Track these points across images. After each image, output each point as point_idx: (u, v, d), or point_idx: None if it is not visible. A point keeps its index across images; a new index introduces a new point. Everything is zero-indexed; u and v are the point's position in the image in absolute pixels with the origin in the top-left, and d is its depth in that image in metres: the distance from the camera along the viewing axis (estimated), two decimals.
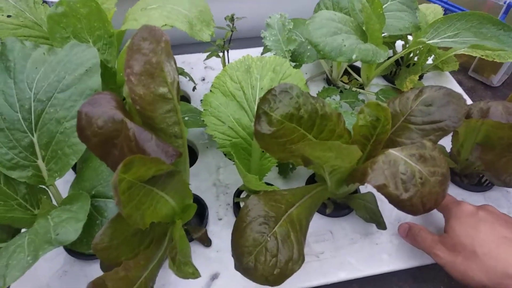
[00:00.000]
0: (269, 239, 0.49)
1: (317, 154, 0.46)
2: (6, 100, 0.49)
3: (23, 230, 0.53)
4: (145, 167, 0.35)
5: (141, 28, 0.40)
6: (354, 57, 0.59)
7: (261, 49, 0.83)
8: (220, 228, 0.64)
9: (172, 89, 0.43)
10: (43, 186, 0.54)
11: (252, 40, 0.95)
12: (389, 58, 0.80)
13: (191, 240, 0.60)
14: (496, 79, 1.14)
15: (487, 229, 0.52)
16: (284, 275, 0.49)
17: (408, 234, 0.61)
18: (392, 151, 0.49)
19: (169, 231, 0.52)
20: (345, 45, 0.59)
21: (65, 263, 0.58)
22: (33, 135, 0.50)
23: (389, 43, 0.85)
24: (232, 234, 0.50)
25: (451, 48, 0.84)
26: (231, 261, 0.59)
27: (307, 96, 0.50)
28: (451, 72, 0.95)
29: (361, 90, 0.81)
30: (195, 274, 0.44)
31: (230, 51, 0.77)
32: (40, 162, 0.50)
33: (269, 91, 0.48)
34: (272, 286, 0.49)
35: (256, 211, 0.50)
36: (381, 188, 0.47)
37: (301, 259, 0.50)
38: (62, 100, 0.49)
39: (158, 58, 0.40)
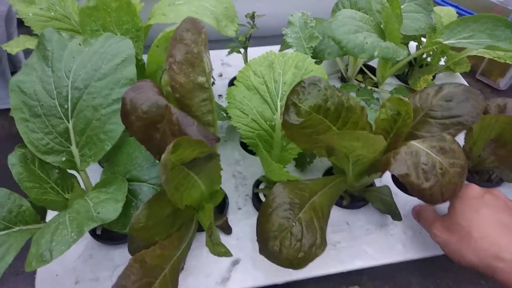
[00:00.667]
0: (294, 224, 0.51)
1: (345, 144, 0.48)
2: (44, 88, 0.51)
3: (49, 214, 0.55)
4: (190, 149, 0.37)
5: (185, 20, 0.42)
6: (375, 54, 0.61)
7: (278, 47, 0.85)
8: (239, 217, 0.66)
9: (209, 79, 0.45)
10: (73, 172, 0.55)
11: (269, 38, 0.98)
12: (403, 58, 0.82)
13: None
14: (503, 83, 1.16)
15: (488, 213, 0.53)
16: (308, 259, 0.51)
17: (416, 214, 0.63)
18: (414, 143, 0.51)
19: (195, 215, 0.54)
20: (367, 43, 0.62)
21: (91, 247, 0.60)
22: (68, 122, 0.52)
23: (403, 44, 0.87)
24: (258, 219, 0.52)
25: (463, 50, 0.86)
26: (251, 248, 0.62)
27: (333, 89, 0.52)
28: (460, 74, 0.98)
29: (375, 89, 0.84)
30: (227, 253, 0.46)
31: (249, 49, 0.79)
32: (73, 148, 0.52)
33: (298, 83, 0.50)
34: (295, 269, 0.51)
35: (282, 197, 0.52)
36: (403, 177, 0.49)
37: (323, 244, 0.52)
38: (99, 88, 0.51)
39: (199, 49, 0.43)
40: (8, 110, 0.98)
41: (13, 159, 0.49)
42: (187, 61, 0.42)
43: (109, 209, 0.42)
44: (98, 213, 0.42)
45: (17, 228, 0.48)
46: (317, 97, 0.50)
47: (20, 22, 1.02)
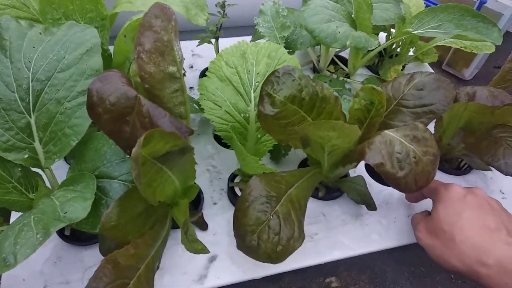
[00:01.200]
0: (271, 217, 0.50)
1: (320, 134, 0.47)
2: (2, 80, 0.48)
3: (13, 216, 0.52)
4: (163, 141, 0.35)
5: (153, 5, 0.40)
6: (348, 43, 0.61)
7: (250, 38, 0.84)
8: (215, 212, 0.64)
9: (180, 69, 0.43)
10: (38, 171, 0.52)
11: (240, 29, 0.96)
12: (373, 49, 0.83)
13: None
14: (468, 73, 1.20)
15: (470, 216, 0.52)
16: (286, 252, 0.50)
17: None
18: (388, 132, 0.51)
19: (169, 212, 0.52)
20: (339, 32, 0.61)
21: (59, 249, 0.57)
22: (30, 116, 0.48)
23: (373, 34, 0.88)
24: (234, 214, 0.51)
25: (431, 40, 0.88)
26: (227, 244, 0.60)
27: (308, 79, 0.51)
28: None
29: (347, 79, 0.84)
30: (204, 250, 0.44)
31: (220, 39, 0.77)
32: (37, 144, 0.49)
33: (272, 73, 0.49)
34: (274, 263, 0.50)
35: (258, 191, 0.51)
36: (378, 167, 0.49)
37: (301, 237, 0.52)
38: (62, 80, 0.48)
39: (169, 37, 0.41)
40: None
41: None
42: (157, 50, 0.40)
43: (77, 208, 0.40)
44: (66, 212, 0.39)
45: None
46: (291, 87, 0.49)
47: None
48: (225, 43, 0.73)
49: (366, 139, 0.53)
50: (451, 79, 1.22)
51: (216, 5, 0.74)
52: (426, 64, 0.96)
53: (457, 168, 0.76)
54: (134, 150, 0.33)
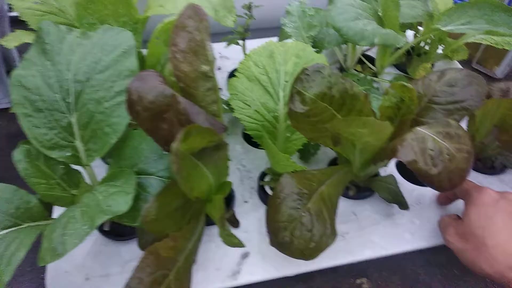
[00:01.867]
0: (304, 214, 0.51)
1: (351, 130, 0.47)
2: (45, 82, 0.50)
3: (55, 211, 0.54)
4: (200, 137, 0.36)
5: (187, 6, 0.41)
6: (376, 41, 0.61)
7: (276, 39, 0.84)
8: (246, 210, 0.65)
9: (212, 68, 0.45)
10: (78, 168, 0.55)
11: (266, 30, 0.97)
12: (401, 47, 0.83)
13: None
14: (500, 71, 1.16)
15: (502, 221, 0.52)
16: (319, 249, 0.50)
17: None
18: (420, 129, 0.51)
19: (203, 208, 0.53)
20: (367, 30, 0.61)
21: (99, 244, 0.59)
22: (72, 116, 0.51)
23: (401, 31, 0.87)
24: (267, 210, 0.52)
25: (460, 37, 0.86)
26: (259, 241, 0.61)
27: (337, 76, 0.51)
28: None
29: (375, 78, 0.84)
30: (240, 244, 0.45)
31: (246, 41, 0.79)
32: (78, 143, 0.51)
33: (302, 71, 0.50)
34: (307, 259, 0.51)
35: (290, 188, 0.52)
36: (411, 164, 0.49)
37: (334, 234, 0.52)
38: (101, 81, 0.50)
39: (202, 36, 0.42)
40: (4, 110, 0.97)
41: (18, 155, 0.48)
42: (191, 49, 0.42)
43: (119, 202, 0.42)
44: (109, 206, 0.41)
45: (25, 225, 0.47)
46: (321, 84, 0.50)
47: (13, 22, 1.00)
48: (252, 44, 0.74)
49: (397, 137, 0.52)
50: (483, 77, 1.19)
51: (242, 6, 0.76)
52: (456, 61, 0.95)
53: (491, 168, 0.74)
54: (174, 144, 0.34)
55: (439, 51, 0.91)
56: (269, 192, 0.67)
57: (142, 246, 0.51)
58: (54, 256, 0.37)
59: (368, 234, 0.63)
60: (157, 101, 0.40)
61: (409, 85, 0.53)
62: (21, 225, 0.46)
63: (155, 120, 0.41)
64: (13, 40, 0.61)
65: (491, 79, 1.16)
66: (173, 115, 0.40)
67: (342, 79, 0.52)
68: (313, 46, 0.73)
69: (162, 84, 0.41)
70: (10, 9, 0.98)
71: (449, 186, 0.51)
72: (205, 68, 0.44)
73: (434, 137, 0.50)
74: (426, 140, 0.50)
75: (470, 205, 0.55)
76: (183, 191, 0.38)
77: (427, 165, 0.49)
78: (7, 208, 0.46)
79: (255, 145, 0.74)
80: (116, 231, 0.59)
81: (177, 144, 0.34)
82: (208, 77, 0.44)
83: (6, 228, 0.45)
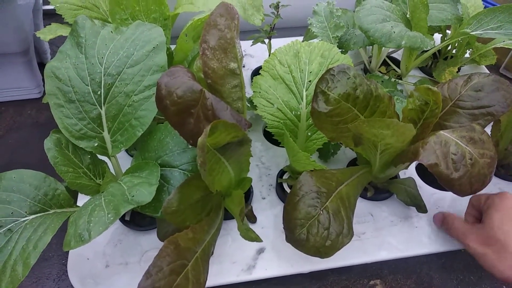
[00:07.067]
0: (321, 212, 0.51)
1: (374, 131, 0.48)
2: (77, 74, 0.52)
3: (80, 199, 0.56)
4: (226, 132, 0.37)
5: (219, 5, 0.42)
6: (403, 43, 0.61)
7: (301, 38, 0.85)
8: (264, 207, 0.66)
9: (240, 65, 0.46)
10: (104, 159, 0.57)
11: (291, 30, 0.98)
12: (427, 50, 0.82)
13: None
14: None
15: None
16: (335, 248, 0.51)
17: (443, 223, 0.62)
18: (443, 133, 0.51)
19: (222, 202, 0.55)
20: (394, 32, 0.61)
21: (120, 233, 0.62)
22: (101, 108, 0.53)
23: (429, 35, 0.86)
24: (285, 207, 0.53)
25: (489, 42, 0.85)
26: (275, 237, 0.62)
27: (362, 78, 0.52)
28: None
29: (399, 81, 0.83)
30: (258, 239, 0.46)
31: (272, 40, 0.79)
32: (105, 134, 0.54)
33: (327, 71, 0.51)
34: (322, 257, 0.51)
35: (309, 186, 0.53)
36: (432, 167, 0.49)
37: (350, 233, 0.52)
38: (131, 75, 0.52)
39: (232, 34, 0.43)
40: (34, 100, 1.01)
41: (48, 144, 0.50)
42: (220, 47, 0.43)
43: (143, 192, 0.43)
44: (133, 196, 0.43)
45: (52, 211, 0.49)
46: (346, 85, 0.50)
47: (45, 14, 1.04)
48: (277, 43, 0.75)
49: (419, 139, 0.52)
50: (510, 84, 1.17)
51: (270, 5, 0.76)
52: (483, 66, 0.93)
53: None
54: (200, 139, 0.35)
55: (467, 55, 0.90)
56: (287, 189, 0.67)
57: (161, 237, 0.52)
58: (79, 242, 0.39)
59: (384, 236, 0.63)
60: (186, 96, 0.41)
61: (434, 88, 0.52)
62: (48, 211, 0.48)
63: (183, 114, 0.42)
64: (48, 32, 0.64)
65: None
66: (201, 110, 0.41)
67: (367, 81, 0.52)
68: (339, 47, 0.73)
69: (191, 79, 0.42)
70: (44, 2, 1.01)
71: (470, 191, 0.51)
72: (233, 65, 0.45)
73: (457, 141, 0.50)
74: (449, 144, 0.50)
75: (492, 210, 0.55)
76: (206, 184, 0.39)
77: (448, 169, 0.49)
78: (35, 195, 0.49)
79: (275, 142, 0.75)
80: (136, 221, 0.60)
81: (203, 138, 0.35)
82: (235, 74, 0.45)
83: (34, 214, 0.47)
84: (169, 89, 0.41)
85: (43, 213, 0.48)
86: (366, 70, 0.89)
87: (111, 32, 0.55)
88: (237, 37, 0.45)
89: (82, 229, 0.40)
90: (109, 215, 0.41)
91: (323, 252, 0.51)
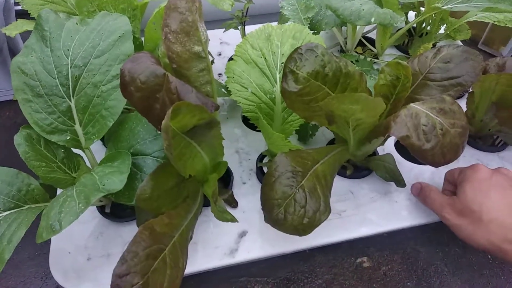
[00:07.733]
0: (297, 191, 0.51)
1: (344, 107, 0.48)
2: (44, 68, 0.52)
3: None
4: (190, 114, 0.37)
5: None
6: (372, 20, 0.61)
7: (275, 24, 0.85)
8: (244, 192, 0.66)
9: (205, 48, 0.45)
10: (79, 152, 0.56)
11: (266, 16, 0.97)
12: (401, 28, 0.82)
13: None
14: (506, 51, 1.15)
15: (497, 195, 0.52)
16: (313, 225, 0.51)
17: (420, 194, 0.63)
18: (413, 105, 0.51)
19: (200, 189, 0.55)
20: (363, 9, 0.61)
21: (101, 225, 0.61)
22: (70, 100, 0.52)
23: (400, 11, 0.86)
24: (262, 188, 0.53)
25: (463, 16, 0.85)
26: (257, 220, 0.63)
27: (331, 55, 0.52)
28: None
29: (375, 60, 0.83)
30: (233, 219, 0.46)
31: (246, 27, 0.79)
32: (77, 126, 0.53)
33: (295, 50, 0.51)
34: (301, 235, 0.52)
35: (284, 166, 0.53)
36: (404, 139, 0.49)
37: (327, 210, 0.53)
38: (98, 65, 0.51)
39: (193, 17, 0.43)
40: (12, 102, 1.00)
41: (18, 139, 0.50)
42: (183, 30, 0.42)
43: (114, 180, 0.43)
44: (104, 184, 0.43)
45: (26, 206, 0.49)
46: (314, 63, 0.50)
47: (19, 15, 1.02)
48: (251, 30, 0.74)
49: (392, 114, 0.53)
50: (489, 58, 1.18)
51: None
52: (459, 42, 0.93)
53: (491, 145, 0.74)
54: (163, 122, 0.35)
55: (442, 31, 0.90)
56: None
57: (140, 225, 0.52)
58: (50, 232, 0.39)
59: (364, 212, 0.64)
60: (149, 81, 0.41)
61: (404, 62, 0.53)
62: (22, 206, 0.48)
63: (148, 100, 0.42)
64: (14, 28, 0.63)
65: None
66: (165, 94, 0.41)
67: (336, 58, 0.52)
68: (310, 28, 0.73)
69: (154, 64, 0.42)
70: (16, 2, 1.00)
71: (443, 161, 0.51)
72: (197, 48, 0.44)
73: (428, 112, 0.51)
74: (419, 115, 0.50)
75: (466, 182, 0.55)
76: (177, 169, 0.39)
77: (420, 140, 0.49)
78: (8, 191, 0.48)
79: (254, 127, 0.75)
80: (117, 213, 0.60)
81: (166, 120, 0.35)
82: (201, 57, 0.45)
83: (8, 210, 0.47)
84: (132, 75, 0.41)
85: (17, 209, 0.48)
86: (342, 51, 0.89)
87: (77, 24, 0.54)
88: (200, 20, 0.45)
89: (54, 220, 0.40)
90: (79, 205, 0.41)
91: (301, 229, 0.51)
